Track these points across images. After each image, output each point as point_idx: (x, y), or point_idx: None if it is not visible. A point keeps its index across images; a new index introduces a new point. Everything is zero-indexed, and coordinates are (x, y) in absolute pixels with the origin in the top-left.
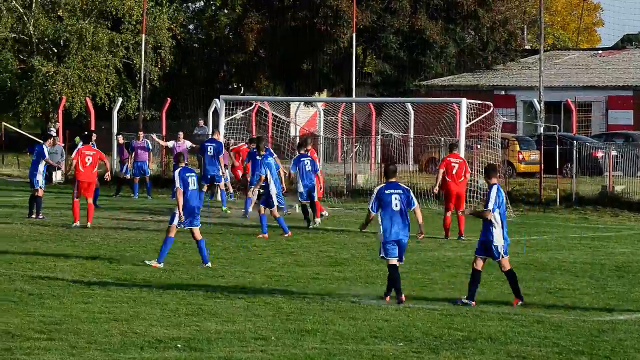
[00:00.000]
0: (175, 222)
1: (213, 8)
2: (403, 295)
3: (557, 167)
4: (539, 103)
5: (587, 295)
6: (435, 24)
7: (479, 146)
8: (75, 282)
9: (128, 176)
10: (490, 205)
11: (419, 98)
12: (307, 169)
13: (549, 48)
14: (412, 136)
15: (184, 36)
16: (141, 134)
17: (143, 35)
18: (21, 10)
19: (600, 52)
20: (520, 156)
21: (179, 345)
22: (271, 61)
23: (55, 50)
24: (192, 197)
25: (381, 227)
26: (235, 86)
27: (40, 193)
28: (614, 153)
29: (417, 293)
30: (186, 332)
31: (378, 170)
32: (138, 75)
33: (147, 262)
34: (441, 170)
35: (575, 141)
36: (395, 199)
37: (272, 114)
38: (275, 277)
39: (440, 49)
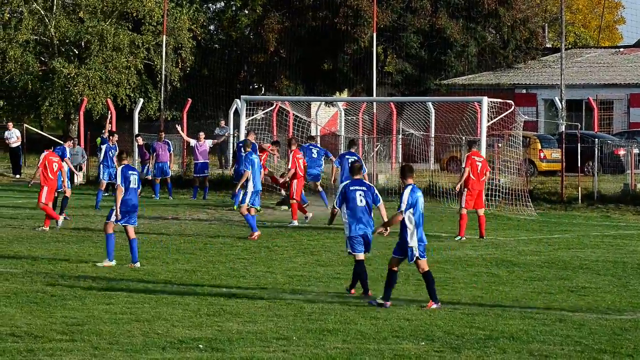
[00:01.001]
0: (113, 219)
1: (233, 8)
2: (370, 291)
3: (579, 165)
4: (560, 101)
5: (610, 293)
6: (456, 23)
7: (500, 145)
8: (97, 283)
9: (149, 177)
10: (403, 207)
11: (440, 97)
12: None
13: (570, 46)
14: (433, 135)
15: (205, 37)
16: (162, 134)
17: (164, 36)
18: (42, 13)
19: (621, 49)
20: (542, 154)
21: (200, 346)
22: (291, 61)
23: (77, 52)
24: (132, 195)
25: (346, 222)
26: (255, 86)
27: (68, 194)
28: (635, 151)
29: (438, 292)
30: (208, 333)
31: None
32: (159, 76)
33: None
34: (467, 169)
35: (596, 139)
36: (360, 195)
37: (293, 114)
38: (297, 277)
39: (461, 48)
